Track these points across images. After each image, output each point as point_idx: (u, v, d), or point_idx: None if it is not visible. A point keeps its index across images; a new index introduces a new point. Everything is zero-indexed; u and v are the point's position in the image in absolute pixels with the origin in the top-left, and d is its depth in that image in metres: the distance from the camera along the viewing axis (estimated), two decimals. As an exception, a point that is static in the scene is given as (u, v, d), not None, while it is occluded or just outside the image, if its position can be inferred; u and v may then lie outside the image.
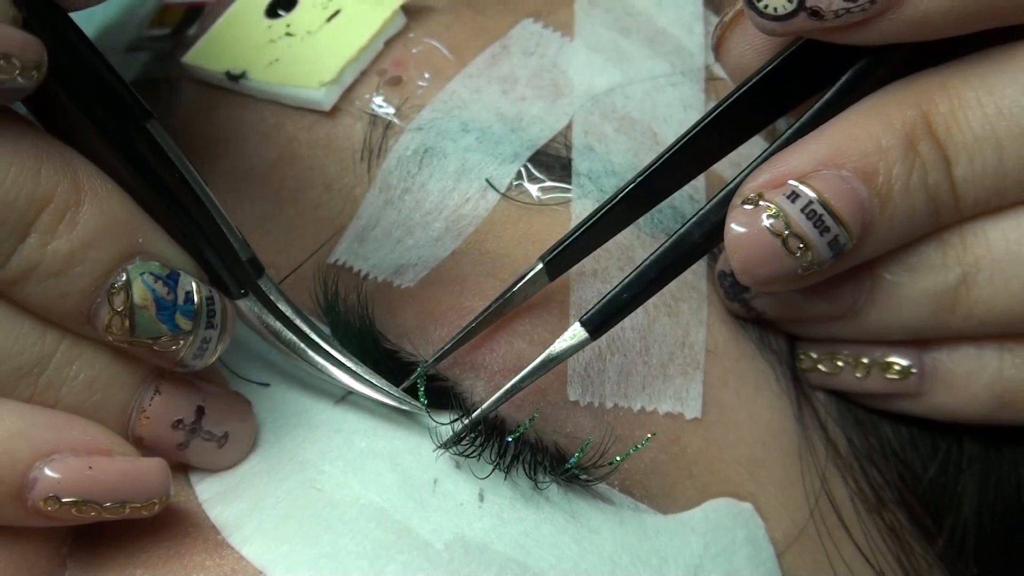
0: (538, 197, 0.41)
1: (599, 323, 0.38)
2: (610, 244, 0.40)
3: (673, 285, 0.39)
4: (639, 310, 0.39)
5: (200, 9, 0.49)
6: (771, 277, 0.37)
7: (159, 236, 0.36)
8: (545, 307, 0.40)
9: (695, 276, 0.41)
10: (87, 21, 0.64)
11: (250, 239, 0.39)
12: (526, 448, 0.39)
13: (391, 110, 0.43)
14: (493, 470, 0.38)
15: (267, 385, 0.41)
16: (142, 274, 0.35)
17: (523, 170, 0.41)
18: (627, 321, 0.39)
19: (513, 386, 0.38)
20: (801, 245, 0.36)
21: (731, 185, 0.38)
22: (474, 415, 0.38)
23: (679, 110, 0.43)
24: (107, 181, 0.35)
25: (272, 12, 0.46)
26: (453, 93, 0.43)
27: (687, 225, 0.38)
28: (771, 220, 0.36)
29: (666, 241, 0.38)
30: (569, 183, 0.41)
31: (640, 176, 0.39)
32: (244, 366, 0.41)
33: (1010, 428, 0.41)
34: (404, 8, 0.45)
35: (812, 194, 0.36)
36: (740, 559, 0.39)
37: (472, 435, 0.39)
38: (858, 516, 0.41)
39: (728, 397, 0.40)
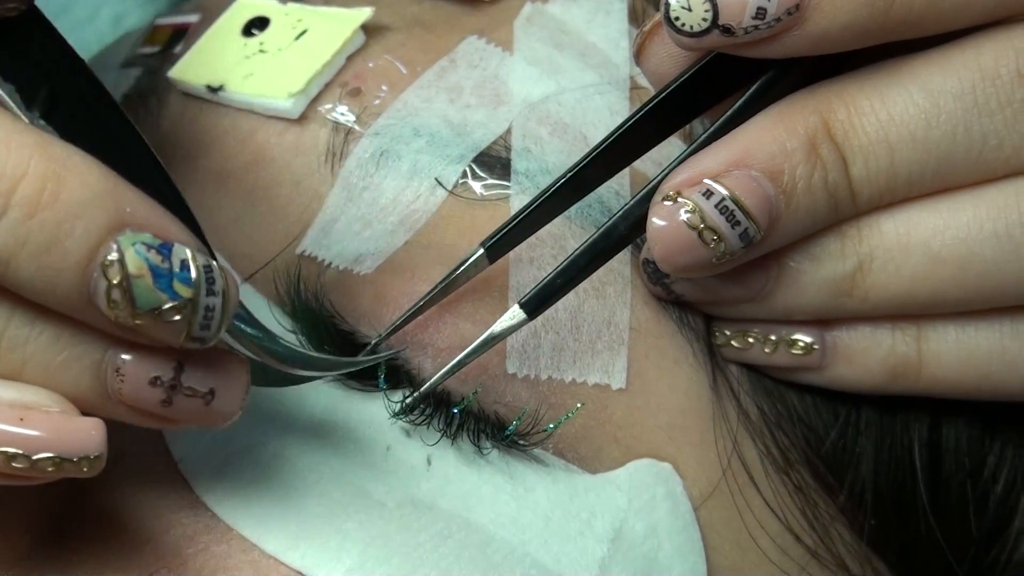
0: (481, 194, 0.41)
1: (535, 305, 0.38)
2: (545, 235, 0.40)
3: (601, 271, 0.39)
4: (571, 293, 0.39)
5: (185, 30, 0.49)
6: (688, 265, 0.37)
7: (148, 206, 0.32)
8: (487, 292, 0.39)
9: (620, 263, 0.40)
10: (98, 43, 0.62)
11: (226, 233, 0.39)
12: (470, 417, 0.38)
13: (352, 118, 0.43)
14: (441, 438, 0.38)
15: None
16: (134, 244, 0.31)
17: (468, 170, 0.41)
18: (560, 303, 0.39)
19: (458, 362, 0.38)
20: (715, 237, 0.36)
21: (653, 183, 0.38)
22: (423, 388, 0.38)
23: (606, 116, 0.42)
24: (86, 156, 0.31)
25: (247, 31, 0.46)
26: (406, 102, 0.42)
27: (613, 218, 0.38)
28: (688, 215, 0.36)
29: (595, 233, 0.38)
30: (508, 181, 0.41)
31: (571, 170, 0.38)
32: None
33: (902, 397, 0.41)
34: (364, 27, 0.44)
35: (724, 191, 0.36)
36: (661, 513, 0.39)
37: (422, 406, 0.38)
38: (767, 475, 0.41)
39: (650, 370, 0.40)
